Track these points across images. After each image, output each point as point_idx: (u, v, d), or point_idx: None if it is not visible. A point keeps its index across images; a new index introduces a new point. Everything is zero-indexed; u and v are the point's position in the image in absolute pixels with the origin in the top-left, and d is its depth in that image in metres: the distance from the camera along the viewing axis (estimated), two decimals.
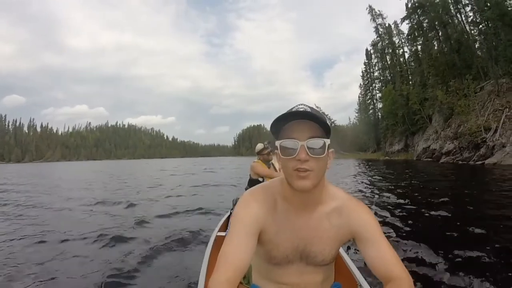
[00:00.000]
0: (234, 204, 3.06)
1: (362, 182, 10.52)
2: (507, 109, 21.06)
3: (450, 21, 30.07)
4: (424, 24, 33.44)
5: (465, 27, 29.60)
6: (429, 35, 32.83)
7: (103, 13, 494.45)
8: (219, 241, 2.41)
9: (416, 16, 34.98)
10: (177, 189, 10.03)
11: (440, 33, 31.55)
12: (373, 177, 12.90)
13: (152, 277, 2.70)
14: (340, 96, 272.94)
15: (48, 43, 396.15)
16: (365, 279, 1.55)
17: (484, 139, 20.34)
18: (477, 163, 19.45)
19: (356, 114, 67.03)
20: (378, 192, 7.68)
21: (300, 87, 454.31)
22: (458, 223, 4.23)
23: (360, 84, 60.97)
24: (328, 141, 0.81)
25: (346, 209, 0.92)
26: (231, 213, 3.23)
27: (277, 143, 0.83)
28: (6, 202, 7.69)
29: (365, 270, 1.73)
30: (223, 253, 0.82)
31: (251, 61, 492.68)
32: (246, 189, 3.54)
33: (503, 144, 18.94)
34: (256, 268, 1.05)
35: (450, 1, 29.55)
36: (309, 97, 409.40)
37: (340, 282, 1.09)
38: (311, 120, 0.79)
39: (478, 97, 24.30)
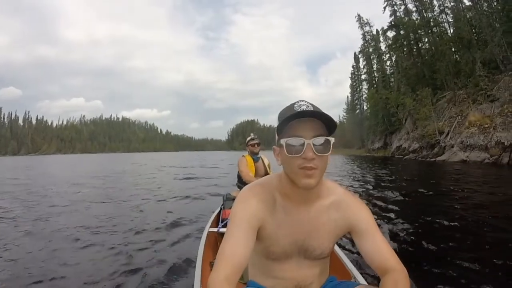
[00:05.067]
0: (225, 200, 3.13)
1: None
2: (459, 116, 25.49)
3: (422, 37, 34.76)
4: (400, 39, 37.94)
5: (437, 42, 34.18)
6: (404, 49, 37.47)
7: (98, 4, 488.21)
8: (211, 237, 2.45)
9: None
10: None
11: (414, 48, 36.24)
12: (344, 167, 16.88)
13: (146, 274, 2.63)
14: (334, 93, 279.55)
15: (44, 35, 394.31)
16: (359, 272, 1.64)
17: (438, 141, 24.99)
18: (431, 159, 23.72)
19: (344, 113, 72.21)
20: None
21: (295, 82, 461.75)
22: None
23: (350, 84, 65.25)
24: (332, 140, 0.82)
25: (344, 203, 0.95)
26: (221, 208, 3.16)
27: (282, 141, 0.82)
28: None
29: (358, 263, 1.98)
30: (222, 251, 0.82)
31: (246, 56, 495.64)
32: (237, 185, 3.57)
33: (452, 145, 23.00)
34: (252, 264, 1.04)
35: (422, 22, 34.03)
36: (304, 93, 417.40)
37: (335, 276, 1.10)
38: (317, 118, 0.80)
39: (439, 105, 29.05)
